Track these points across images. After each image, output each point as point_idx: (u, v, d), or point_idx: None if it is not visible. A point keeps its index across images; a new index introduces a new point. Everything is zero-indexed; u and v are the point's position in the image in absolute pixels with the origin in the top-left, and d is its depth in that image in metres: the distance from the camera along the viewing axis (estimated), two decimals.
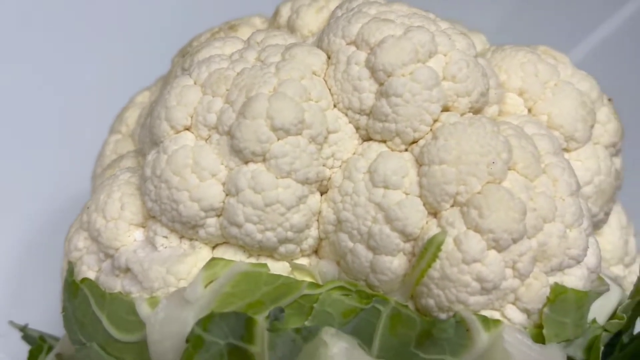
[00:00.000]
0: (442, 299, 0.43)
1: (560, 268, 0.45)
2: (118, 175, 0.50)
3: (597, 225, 0.53)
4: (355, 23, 0.48)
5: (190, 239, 0.46)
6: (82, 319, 0.47)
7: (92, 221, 0.48)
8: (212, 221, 0.45)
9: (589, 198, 0.51)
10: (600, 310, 0.49)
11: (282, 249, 0.45)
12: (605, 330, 0.49)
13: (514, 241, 0.42)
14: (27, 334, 0.60)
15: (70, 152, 0.64)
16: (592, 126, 0.52)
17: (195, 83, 0.48)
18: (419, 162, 0.44)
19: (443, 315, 0.43)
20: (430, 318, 0.43)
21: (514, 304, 0.44)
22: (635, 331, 0.53)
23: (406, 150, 0.46)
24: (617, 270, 0.56)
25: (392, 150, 0.46)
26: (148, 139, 0.49)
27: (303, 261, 0.46)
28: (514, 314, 0.44)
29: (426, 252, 0.42)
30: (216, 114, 0.46)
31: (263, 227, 0.44)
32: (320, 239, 0.46)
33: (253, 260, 0.45)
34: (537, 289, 0.44)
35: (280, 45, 0.49)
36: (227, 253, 0.45)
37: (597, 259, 0.47)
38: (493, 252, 0.42)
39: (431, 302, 0.43)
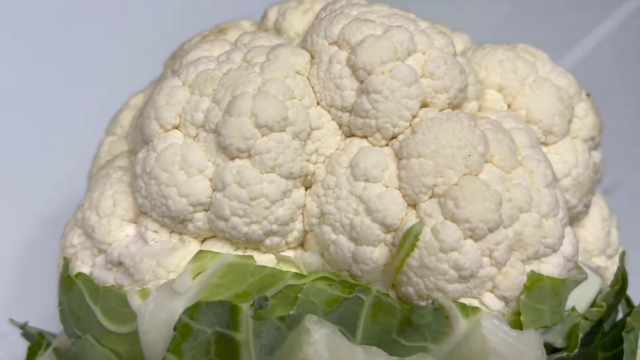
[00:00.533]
0: (421, 287, 0.44)
1: (536, 256, 0.46)
2: (111, 174, 0.52)
3: (577, 217, 0.55)
4: (337, 24, 0.50)
5: (180, 234, 0.48)
6: (77, 313, 0.49)
7: (86, 218, 0.50)
8: (200, 215, 0.47)
9: (567, 190, 0.52)
10: (580, 299, 0.51)
11: (267, 241, 0.46)
12: (586, 318, 0.50)
13: (490, 230, 0.44)
14: (26, 332, 0.62)
15: (68, 153, 0.66)
16: (569, 120, 0.54)
17: (183, 84, 0.49)
18: (399, 156, 0.46)
19: (423, 303, 0.45)
20: (410, 306, 0.44)
21: (491, 291, 0.45)
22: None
23: (387, 145, 0.48)
24: (600, 261, 0.58)
25: (373, 145, 0.47)
26: (139, 138, 0.51)
27: (289, 254, 0.48)
28: (492, 302, 0.45)
29: (405, 242, 0.44)
30: (203, 112, 0.47)
31: (249, 220, 0.45)
32: (305, 232, 0.48)
33: (240, 252, 0.47)
34: (513, 276, 0.45)
35: (265, 46, 0.51)
36: (215, 246, 0.47)
37: (573, 248, 0.48)
38: (470, 241, 0.44)
39: (411, 290, 0.45)
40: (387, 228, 0.45)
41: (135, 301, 0.46)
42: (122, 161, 0.56)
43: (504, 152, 0.47)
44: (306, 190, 0.48)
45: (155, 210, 0.47)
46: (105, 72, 0.76)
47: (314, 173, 0.48)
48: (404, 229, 0.44)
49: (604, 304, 0.51)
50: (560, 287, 0.47)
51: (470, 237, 0.44)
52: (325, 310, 0.45)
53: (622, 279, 0.53)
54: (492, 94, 0.53)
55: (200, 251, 0.46)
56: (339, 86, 0.48)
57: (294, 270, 0.46)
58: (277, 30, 0.57)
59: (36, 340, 0.60)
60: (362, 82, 0.47)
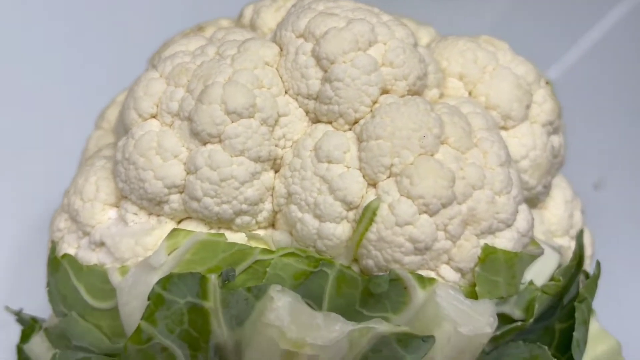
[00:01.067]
0: (380, 259, 0.47)
1: (490, 231, 0.49)
2: (95, 162, 0.55)
3: (537, 197, 0.58)
4: (303, 18, 0.53)
5: (158, 215, 0.51)
6: (63, 291, 0.52)
7: (72, 203, 0.53)
8: (175, 197, 0.50)
9: (526, 171, 0.55)
10: (539, 274, 0.54)
11: (238, 220, 0.50)
12: (544, 292, 0.53)
13: (444, 206, 0.47)
14: (21, 318, 0.65)
15: (62, 149, 0.69)
16: (527, 106, 0.57)
17: (160, 76, 0.53)
18: (360, 139, 0.49)
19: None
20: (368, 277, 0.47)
21: (447, 263, 0.48)
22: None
23: (350, 129, 0.51)
24: (563, 241, 0.60)
25: (337, 129, 0.51)
26: (121, 128, 0.54)
27: (260, 233, 0.51)
28: (448, 273, 0.48)
29: (364, 217, 0.47)
30: (178, 102, 0.51)
31: (220, 200, 0.49)
32: (275, 212, 0.51)
33: (213, 232, 0.50)
34: (468, 249, 0.48)
35: (238, 40, 0.54)
36: (190, 226, 0.50)
37: (528, 224, 0.51)
38: (425, 216, 0.47)
39: (370, 262, 0.48)
40: (349, 205, 0.48)
41: (115, 278, 0.49)
42: (107, 151, 0.59)
43: (459, 134, 0.50)
44: (276, 173, 0.51)
45: (134, 193, 0.51)
46: (95, 72, 0.80)
47: (282, 157, 0.51)
48: (364, 206, 0.47)
49: (561, 278, 0.54)
50: (514, 260, 0.50)
51: (425, 212, 0.47)
52: (292, 283, 0.48)
53: (579, 255, 0.56)
54: (454, 82, 0.56)
55: (175, 229, 0.49)
56: (304, 75, 0.51)
57: (263, 247, 0.49)
58: (252, 27, 0.60)
59: (30, 325, 0.63)
60: (325, 71, 0.51)
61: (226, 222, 0.50)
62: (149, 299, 0.45)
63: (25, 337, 0.62)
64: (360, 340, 0.44)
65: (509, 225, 0.50)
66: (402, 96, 0.51)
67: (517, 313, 0.51)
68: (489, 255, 0.49)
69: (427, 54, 0.55)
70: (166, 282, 0.45)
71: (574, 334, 0.50)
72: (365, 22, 0.52)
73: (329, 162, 0.49)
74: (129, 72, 0.71)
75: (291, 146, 0.51)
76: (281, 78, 0.52)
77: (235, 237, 0.50)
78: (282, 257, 0.48)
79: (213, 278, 0.45)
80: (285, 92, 0.52)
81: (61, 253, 0.53)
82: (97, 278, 0.50)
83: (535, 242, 0.53)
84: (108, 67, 0.75)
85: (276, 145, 0.51)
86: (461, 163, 0.49)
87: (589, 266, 0.62)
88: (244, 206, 0.49)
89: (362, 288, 0.47)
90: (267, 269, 0.48)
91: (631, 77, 0.94)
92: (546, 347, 0.50)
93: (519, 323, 0.50)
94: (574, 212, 0.63)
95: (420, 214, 0.47)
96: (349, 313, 0.48)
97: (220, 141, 0.49)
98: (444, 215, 0.47)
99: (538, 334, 0.54)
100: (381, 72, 0.51)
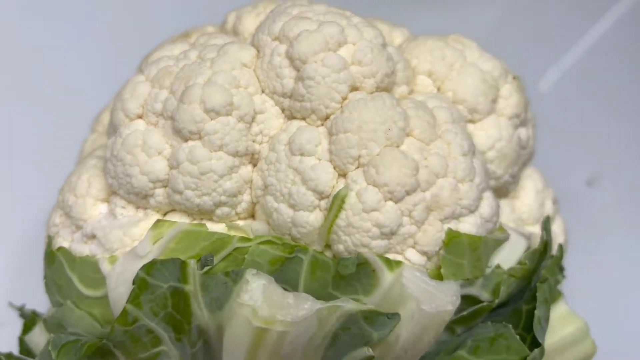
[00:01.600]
0: (349, 243, 0.50)
1: (454, 216, 0.52)
2: (87, 161, 0.59)
3: (506, 187, 0.61)
4: (278, 21, 0.57)
5: (144, 208, 0.55)
6: (58, 282, 0.56)
7: (66, 199, 0.57)
8: (159, 191, 0.54)
9: (492, 162, 0.59)
10: (507, 259, 0.57)
11: (218, 211, 0.53)
12: (511, 275, 0.56)
13: (408, 193, 0.50)
14: (23, 313, 0.69)
15: (62, 151, 0.73)
16: (493, 100, 0.60)
17: (146, 79, 0.57)
18: (330, 133, 0.53)
19: None
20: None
21: (413, 247, 0.51)
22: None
23: (322, 125, 0.54)
24: (534, 229, 0.63)
25: (310, 125, 0.54)
26: (112, 128, 0.58)
27: (240, 223, 0.55)
28: (414, 256, 0.51)
29: (333, 205, 0.50)
30: (162, 102, 0.54)
31: (200, 192, 0.52)
32: (253, 204, 0.54)
33: (196, 222, 0.54)
34: (432, 233, 0.51)
35: (218, 44, 0.58)
36: (174, 218, 0.54)
37: (492, 210, 0.54)
38: (390, 203, 0.50)
39: (341, 247, 0.51)
40: (320, 195, 0.51)
41: (105, 267, 0.53)
42: (99, 152, 0.63)
43: (423, 127, 0.53)
44: (254, 167, 0.55)
45: (122, 188, 0.54)
46: (91, 78, 0.85)
47: (259, 152, 0.54)
48: (334, 195, 0.51)
49: (527, 262, 0.56)
50: (478, 243, 0.53)
51: (390, 199, 0.50)
52: (269, 269, 0.51)
53: (545, 240, 0.59)
54: (423, 79, 0.60)
55: (159, 220, 0.52)
56: (279, 75, 0.55)
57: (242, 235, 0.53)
58: (235, 32, 0.64)
59: (31, 317, 0.67)
60: (298, 70, 0.54)
61: (207, 213, 0.53)
62: (134, 283, 0.48)
63: (26, 329, 0.65)
64: (329, 318, 0.48)
65: (472, 211, 0.53)
66: (371, 93, 0.55)
67: (484, 295, 0.54)
68: (452, 239, 0.52)
69: (397, 53, 0.58)
70: (149, 267, 0.49)
71: (535, 312, 0.53)
72: (335, 25, 0.55)
73: (302, 154, 0.52)
74: (124, 78, 0.74)
75: (268, 141, 0.55)
76: (258, 78, 0.56)
77: (216, 228, 0.53)
78: (259, 245, 0.51)
79: (192, 263, 0.48)
80: (262, 91, 0.55)
81: (56, 246, 0.57)
82: (89, 268, 0.54)
83: (502, 228, 0.56)
84: (104, 73, 0.78)
85: (254, 141, 0.54)
86: (425, 153, 0.52)
87: (566, 253, 0.65)
88: (223, 198, 0.53)
89: (334, 271, 0.50)
90: (246, 256, 0.51)
91: (625, 77, 0.96)
92: (510, 326, 0.53)
93: (485, 303, 0.53)
94: (545, 201, 0.66)
95: (385, 200, 0.50)
96: (323, 296, 0.51)
97: (200, 138, 0.53)
98: (408, 202, 0.50)
99: (507, 315, 0.57)
100: (350, 70, 0.54)
